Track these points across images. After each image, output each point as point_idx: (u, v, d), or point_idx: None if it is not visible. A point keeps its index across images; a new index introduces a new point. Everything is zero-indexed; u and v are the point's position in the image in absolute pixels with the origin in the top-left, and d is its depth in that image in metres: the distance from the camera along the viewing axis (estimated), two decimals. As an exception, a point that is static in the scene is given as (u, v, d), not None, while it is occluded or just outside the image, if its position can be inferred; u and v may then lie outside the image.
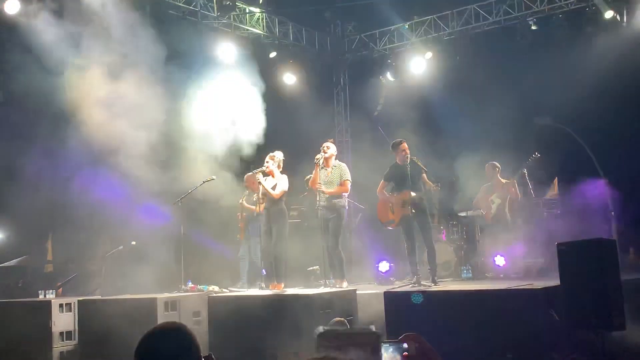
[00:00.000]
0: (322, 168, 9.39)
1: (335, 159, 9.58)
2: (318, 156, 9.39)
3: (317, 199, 9.31)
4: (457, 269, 10.92)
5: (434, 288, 8.38)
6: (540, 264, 10.06)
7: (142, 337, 2.49)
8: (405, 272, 10.58)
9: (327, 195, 9.28)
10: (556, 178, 11.32)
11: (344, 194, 9.41)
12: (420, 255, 9.42)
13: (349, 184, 9.41)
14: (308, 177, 11.21)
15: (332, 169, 9.44)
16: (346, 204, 9.51)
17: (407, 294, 7.59)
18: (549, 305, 6.51)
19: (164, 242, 10.68)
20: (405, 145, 9.22)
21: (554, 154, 11.17)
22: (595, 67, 11.64)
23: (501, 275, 10.09)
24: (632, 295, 6.73)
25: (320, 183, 9.32)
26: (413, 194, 8.91)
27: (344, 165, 9.57)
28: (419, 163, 9.17)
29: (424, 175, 9.18)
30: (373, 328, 1.44)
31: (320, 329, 1.45)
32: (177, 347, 2.48)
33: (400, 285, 9.19)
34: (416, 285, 8.69)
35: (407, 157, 9.06)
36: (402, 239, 9.39)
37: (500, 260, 10.18)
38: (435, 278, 8.99)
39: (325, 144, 9.52)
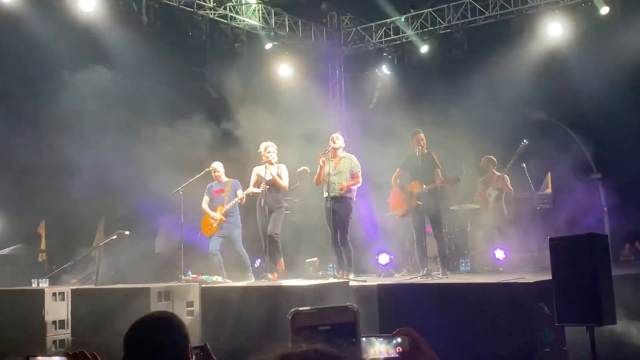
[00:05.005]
0: (329, 159, 9.20)
1: (343, 150, 9.43)
2: (327, 147, 9.23)
3: (326, 190, 9.14)
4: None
5: (428, 281, 8.37)
6: (534, 258, 10.10)
7: (131, 325, 2.50)
8: (403, 264, 10.61)
9: (337, 186, 9.06)
10: (549, 173, 11.33)
11: (353, 186, 9.21)
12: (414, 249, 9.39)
13: (360, 175, 9.26)
14: (301, 169, 11.21)
15: (341, 160, 9.27)
16: (354, 195, 9.37)
17: (401, 287, 7.61)
18: (540, 299, 6.55)
19: (166, 231, 10.66)
20: (420, 136, 9.17)
21: (548, 149, 11.19)
22: (592, 61, 11.67)
23: (501, 269, 10.06)
24: (623, 290, 6.78)
25: (329, 174, 9.12)
26: (423, 186, 8.84)
27: (354, 157, 9.37)
28: (435, 158, 9.11)
29: (438, 170, 9.06)
30: (353, 305, 1.43)
31: (295, 309, 1.44)
32: (165, 336, 2.48)
33: (411, 277, 9.07)
34: (425, 277, 8.62)
35: (421, 148, 9.01)
36: (403, 230, 9.36)
37: (500, 254, 10.17)
38: (446, 270, 8.92)
39: (334, 135, 9.40)
